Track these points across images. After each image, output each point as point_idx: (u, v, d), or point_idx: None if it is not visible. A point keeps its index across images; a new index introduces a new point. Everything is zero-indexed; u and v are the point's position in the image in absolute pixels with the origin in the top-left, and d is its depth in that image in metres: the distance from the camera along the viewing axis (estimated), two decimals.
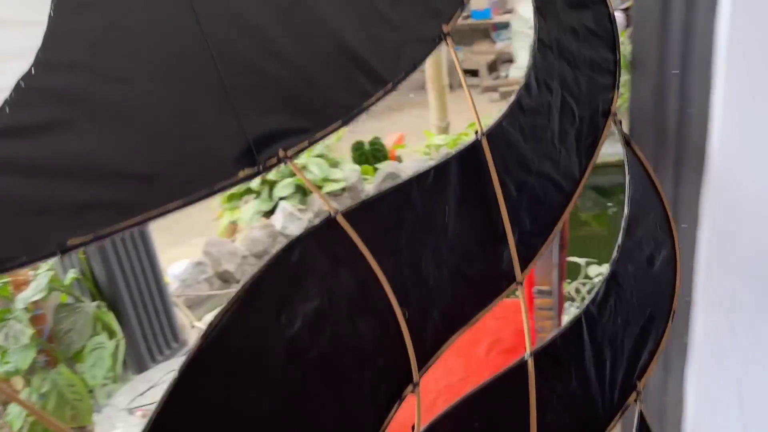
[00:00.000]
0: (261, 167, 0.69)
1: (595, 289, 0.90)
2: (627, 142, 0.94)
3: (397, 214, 0.76)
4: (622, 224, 0.93)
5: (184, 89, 0.67)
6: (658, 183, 0.96)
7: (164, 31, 0.67)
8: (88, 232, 0.61)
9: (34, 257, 0.58)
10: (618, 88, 0.96)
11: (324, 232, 0.71)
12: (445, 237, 0.79)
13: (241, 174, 0.69)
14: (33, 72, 0.59)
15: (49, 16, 0.61)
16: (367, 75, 0.76)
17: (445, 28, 0.82)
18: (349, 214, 0.72)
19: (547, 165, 0.88)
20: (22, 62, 0.60)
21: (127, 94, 0.64)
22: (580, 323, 0.87)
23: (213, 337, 0.63)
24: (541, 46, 0.91)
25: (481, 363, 1.61)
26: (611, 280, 0.91)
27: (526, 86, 0.89)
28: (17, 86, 0.59)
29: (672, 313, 0.96)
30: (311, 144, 0.72)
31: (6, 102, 0.59)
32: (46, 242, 0.59)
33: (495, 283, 0.82)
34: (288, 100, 0.72)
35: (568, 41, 0.94)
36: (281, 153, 0.70)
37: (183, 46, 0.67)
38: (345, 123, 0.74)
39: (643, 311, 0.94)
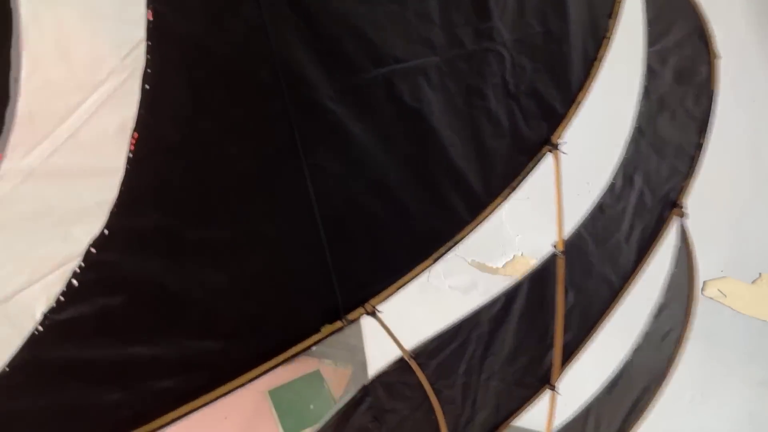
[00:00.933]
0: (345, 321, 0.63)
1: (611, 377, 0.94)
2: (684, 236, 0.92)
3: (463, 345, 0.74)
4: (653, 310, 0.95)
5: (282, 239, 0.57)
6: (697, 275, 0.96)
7: (267, 176, 0.55)
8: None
9: None
10: (692, 176, 0.90)
11: (395, 371, 0.69)
12: (501, 352, 0.78)
13: (324, 330, 0.62)
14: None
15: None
16: (467, 200, 0.67)
17: (554, 138, 0.72)
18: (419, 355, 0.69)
19: (608, 267, 0.85)
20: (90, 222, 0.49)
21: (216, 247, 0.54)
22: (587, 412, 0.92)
23: None
24: (637, 135, 0.83)
25: None
26: (626, 366, 0.95)
27: (612, 185, 0.82)
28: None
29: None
30: (397, 290, 0.65)
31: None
32: None
33: (530, 388, 0.84)
34: (383, 243, 0.63)
35: (663, 125, 0.85)
36: (368, 308, 0.63)
37: (284, 192, 0.56)
38: (436, 260, 0.67)
39: (642, 384, 1.00)
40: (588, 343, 0.87)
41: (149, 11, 0.44)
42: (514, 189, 0.70)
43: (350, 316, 0.63)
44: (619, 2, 0.75)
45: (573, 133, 0.73)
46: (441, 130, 0.63)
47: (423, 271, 0.67)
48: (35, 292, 0.47)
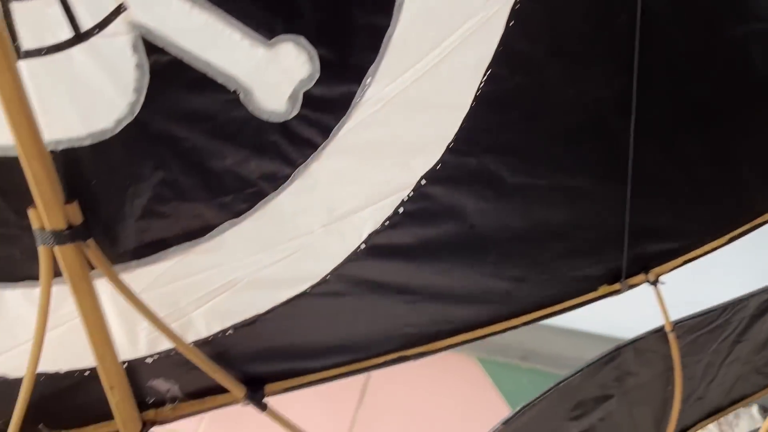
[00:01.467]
0: (624, 286, 0.60)
1: None
2: None
3: (722, 326, 0.69)
4: None
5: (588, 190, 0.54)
6: None
7: (595, 130, 0.51)
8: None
9: None
10: None
11: (651, 340, 0.67)
12: (754, 339, 0.74)
13: (600, 290, 0.61)
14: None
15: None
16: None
17: None
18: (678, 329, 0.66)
19: None
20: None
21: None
22: None
23: None
24: None
25: None
26: None
27: None
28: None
29: None
30: (684, 263, 0.61)
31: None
32: None
33: None
34: (684, 212, 0.59)
35: None
36: (651, 277, 0.60)
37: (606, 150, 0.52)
38: (731, 241, 0.62)
39: None
40: None
41: None
42: None
43: (630, 281, 0.61)
44: None
45: None
46: None
47: (712, 249, 0.62)
48: (366, 214, 0.49)
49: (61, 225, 0.39)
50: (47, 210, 0.38)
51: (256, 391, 0.54)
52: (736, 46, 0.52)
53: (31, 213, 0.39)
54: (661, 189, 0.57)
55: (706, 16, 0.50)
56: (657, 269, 0.61)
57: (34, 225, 0.39)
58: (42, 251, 0.40)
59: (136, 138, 0.41)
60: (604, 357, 0.65)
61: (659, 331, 0.66)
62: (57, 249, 0.40)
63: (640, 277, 0.61)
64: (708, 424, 0.79)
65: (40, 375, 0.47)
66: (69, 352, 0.47)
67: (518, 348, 1.43)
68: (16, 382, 0.46)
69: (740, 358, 0.75)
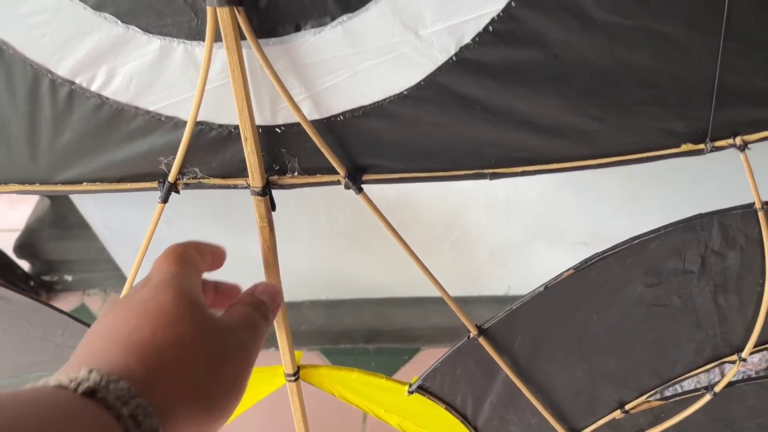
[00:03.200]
0: (709, 146, 0.63)
1: None
2: None
3: None
4: None
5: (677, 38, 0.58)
6: None
7: None
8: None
9: None
10: None
11: (737, 216, 0.68)
12: None
13: (683, 148, 0.63)
14: None
15: None
16: None
17: None
18: None
19: None
20: None
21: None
22: None
23: None
24: None
25: None
26: None
27: None
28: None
29: None
30: None
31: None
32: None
33: None
34: None
35: None
36: (739, 141, 0.62)
37: None
38: None
39: None
40: None
41: None
42: None
43: (717, 144, 0.63)
44: None
45: None
46: None
47: None
48: (459, 28, 0.57)
49: None
50: None
51: (355, 175, 0.66)
52: None
53: None
54: (760, 50, 0.58)
55: None
56: (746, 136, 0.62)
57: None
58: (209, 11, 0.55)
59: None
60: (681, 222, 0.68)
61: (747, 208, 0.66)
62: (218, 10, 0.54)
63: (728, 140, 0.63)
64: None
65: (200, 122, 0.63)
66: (221, 107, 0.63)
67: (362, 330, 1.39)
68: (183, 124, 0.63)
69: None
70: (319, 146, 0.63)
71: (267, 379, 0.82)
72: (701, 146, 0.63)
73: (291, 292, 1.56)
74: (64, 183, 0.67)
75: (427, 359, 1.49)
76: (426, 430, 0.86)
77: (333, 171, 0.65)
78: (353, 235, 1.33)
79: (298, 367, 0.80)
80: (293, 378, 0.80)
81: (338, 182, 0.66)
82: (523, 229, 1.30)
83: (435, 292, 0.74)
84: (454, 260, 1.36)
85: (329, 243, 1.37)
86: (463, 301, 1.33)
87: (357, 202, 0.67)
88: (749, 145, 0.62)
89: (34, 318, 0.76)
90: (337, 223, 1.32)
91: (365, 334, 1.46)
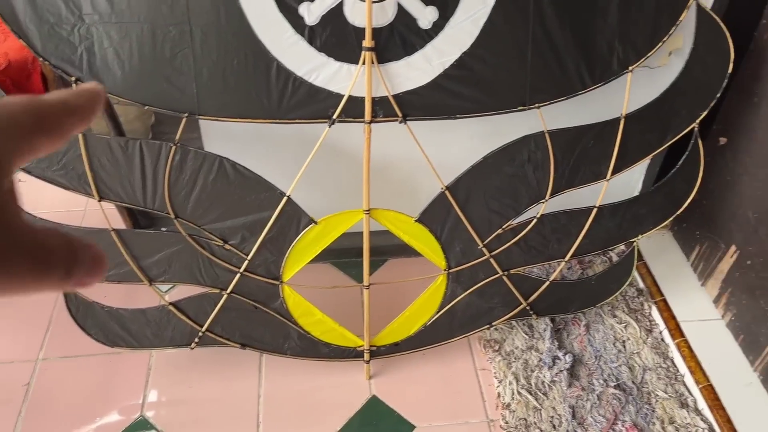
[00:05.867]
0: (527, 107, 1.79)
1: None
2: None
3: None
4: None
5: (513, 67, 1.73)
6: None
7: (512, 39, 1.71)
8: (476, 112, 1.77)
9: None
10: None
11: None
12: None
13: (518, 108, 1.79)
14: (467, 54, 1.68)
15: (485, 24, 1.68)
16: (583, 78, 1.78)
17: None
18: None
19: None
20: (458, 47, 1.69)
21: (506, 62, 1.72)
22: None
23: None
24: None
25: None
26: None
27: None
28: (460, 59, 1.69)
29: None
30: (555, 102, 1.79)
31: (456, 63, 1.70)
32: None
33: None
34: (548, 81, 1.77)
35: None
36: (536, 106, 1.79)
37: (519, 49, 1.72)
38: (567, 98, 1.79)
39: None
40: None
41: None
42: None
43: (530, 106, 1.79)
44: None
45: None
46: None
47: (562, 100, 1.80)
48: (446, 61, 1.70)
49: None
50: None
51: (404, 119, 1.75)
52: None
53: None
54: (539, 71, 1.75)
55: None
56: (540, 104, 1.79)
57: None
58: (364, 53, 1.63)
59: None
60: (521, 137, 1.83)
61: (542, 132, 1.83)
62: (365, 53, 1.63)
63: (533, 106, 1.80)
64: (568, 192, 1.94)
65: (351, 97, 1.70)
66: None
67: (354, 249, 2.44)
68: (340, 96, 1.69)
69: (581, 160, 1.90)
70: (392, 103, 1.71)
71: (349, 216, 1.85)
72: (523, 107, 1.79)
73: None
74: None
75: (393, 265, 2.53)
76: (425, 246, 1.93)
77: (395, 115, 1.74)
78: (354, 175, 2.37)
79: (369, 209, 1.84)
80: (367, 212, 1.83)
81: (399, 121, 1.74)
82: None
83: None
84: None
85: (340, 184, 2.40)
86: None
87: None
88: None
89: None
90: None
91: (356, 252, 2.49)
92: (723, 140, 2.22)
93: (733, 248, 2.19)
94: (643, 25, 1.75)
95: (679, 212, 2.08)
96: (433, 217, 1.90)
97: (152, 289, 1.85)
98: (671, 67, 2.06)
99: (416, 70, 1.69)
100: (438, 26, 1.65)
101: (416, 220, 1.88)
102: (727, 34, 1.83)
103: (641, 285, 2.42)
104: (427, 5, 1.62)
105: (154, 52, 1.56)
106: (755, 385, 2.04)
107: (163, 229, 1.88)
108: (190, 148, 1.67)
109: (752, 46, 2.05)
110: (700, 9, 1.81)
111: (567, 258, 2.05)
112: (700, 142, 1.99)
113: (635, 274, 2.46)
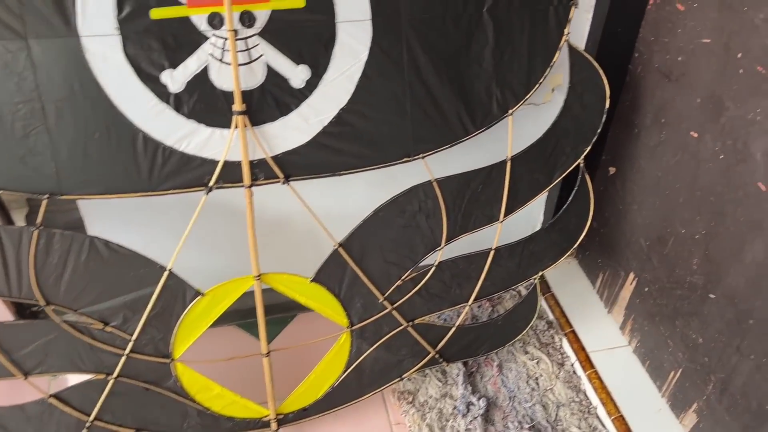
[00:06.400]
0: (412, 158, 1.76)
1: None
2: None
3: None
4: None
5: (395, 121, 1.71)
6: None
7: (389, 92, 1.68)
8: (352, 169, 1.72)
9: None
10: None
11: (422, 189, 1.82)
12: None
13: (404, 159, 1.76)
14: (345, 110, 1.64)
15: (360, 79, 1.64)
16: (464, 124, 1.77)
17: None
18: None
19: None
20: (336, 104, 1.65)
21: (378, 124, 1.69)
22: None
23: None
24: None
25: None
26: None
27: None
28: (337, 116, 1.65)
29: None
30: (440, 150, 1.77)
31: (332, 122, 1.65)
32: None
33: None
34: (430, 131, 1.75)
35: None
36: (422, 156, 1.77)
37: (397, 101, 1.69)
38: (450, 147, 1.78)
39: None
40: None
41: None
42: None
43: (415, 157, 1.77)
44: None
45: None
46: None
47: (446, 148, 1.79)
48: (324, 119, 1.66)
49: None
50: None
51: (287, 180, 1.69)
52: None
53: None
54: (421, 122, 1.74)
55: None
56: (425, 154, 1.77)
57: None
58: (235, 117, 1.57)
59: None
60: (408, 189, 1.80)
61: (427, 182, 1.81)
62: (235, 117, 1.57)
63: (419, 156, 1.77)
64: (463, 237, 1.92)
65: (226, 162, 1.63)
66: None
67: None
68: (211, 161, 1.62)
69: (472, 205, 1.89)
70: (271, 165, 1.65)
71: (238, 284, 1.76)
72: (408, 159, 1.76)
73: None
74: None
75: (302, 320, 2.44)
76: (325, 306, 1.86)
77: (275, 176, 1.67)
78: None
79: (259, 274, 1.76)
80: (258, 278, 1.75)
81: (281, 182, 1.68)
82: None
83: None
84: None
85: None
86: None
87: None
88: (426, 157, 1.77)
89: None
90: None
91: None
92: (612, 170, 2.27)
93: (631, 275, 2.22)
94: (518, 68, 1.77)
95: (574, 246, 2.10)
96: (330, 275, 1.83)
97: (28, 383, 1.70)
98: (557, 102, 2.09)
99: (294, 130, 1.64)
100: (312, 84, 1.61)
101: (312, 281, 1.81)
102: (600, 71, 1.87)
103: (551, 317, 2.43)
104: (298, 64, 1.58)
105: (4, 132, 1.44)
106: (664, 410, 2.06)
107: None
108: (55, 230, 1.55)
109: (628, 78, 2.11)
110: (572, 49, 1.85)
111: (470, 302, 2.02)
112: (587, 177, 2.03)
113: (544, 306, 2.47)
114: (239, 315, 2.37)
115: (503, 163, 1.88)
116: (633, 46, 2.06)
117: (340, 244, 1.79)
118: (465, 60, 1.71)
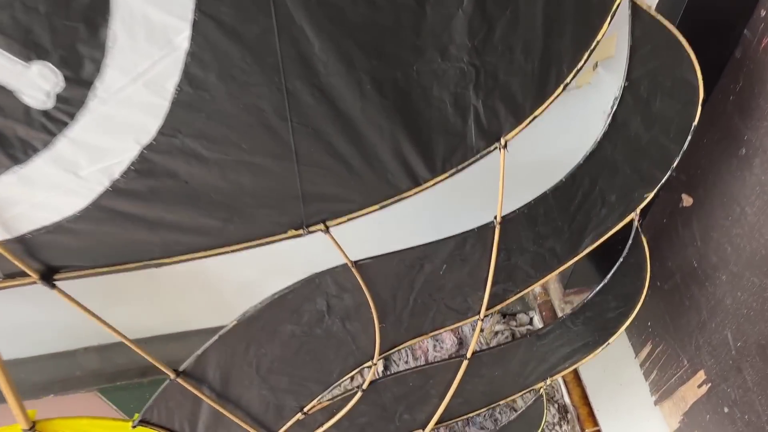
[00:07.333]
0: (305, 231, 0.92)
1: None
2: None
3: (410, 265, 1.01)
4: None
5: (267, 165, 0.86)
6: None
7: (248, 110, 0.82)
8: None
9: None
10: None
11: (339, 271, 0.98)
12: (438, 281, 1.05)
13: (290, 233, 0.92)
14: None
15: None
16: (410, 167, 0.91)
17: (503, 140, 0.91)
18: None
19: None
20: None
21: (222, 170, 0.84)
22: None
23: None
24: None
25: None
26: None
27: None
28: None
29: None
30: (348, 219, 0.93)
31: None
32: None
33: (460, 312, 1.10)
34: (341, 182, 0.90)
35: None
36: (323, 226, 0.92)
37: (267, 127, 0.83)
38: (382, 207, 0.93)
39: None
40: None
41: None
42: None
43: (311, 228, 0.92)
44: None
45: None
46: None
47: (369, 212, 0.93)
48: (108, 168, 0.80)
49: None
50: None
51: (48, 276, 0.86)
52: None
53: None
54: (321, 168, 0.88)
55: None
56: (331, 222, 0.93)
57: None
58: None
59: None
60: (302, 280, 0.97)
61: (344, 265, 0.97)
62: None
63: (319, 226, 0.93)
64: (415, 343, 1.10)
65: None
66: None
67: (135, 368, 1.66)
68: None
69: (430, 295, 1.05)
70: (8, 257, 0.83)
71: None
72: (301, 231, 0.91)
73: (64, 343, 1.69)
74: None
75: None
76: None
77: (27, 275, 0.86)
78: (111, 288, 1.50)
79: (34, 423, 0.98)
80: (30, 430, 0.98)
81: (35, 282, 0.86)
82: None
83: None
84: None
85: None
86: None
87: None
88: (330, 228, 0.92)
89: None
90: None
91: (138, 371, 1.64)
92: (688, 200, 1.38)
93: (701, 374, 1.39)
94: (522, 58, 0.87)
95: (609, 342, 1.25)
96: (171, 415, 1.05)
97: None
98: (600, 87, 1.19)
99: (50, 190, 0.80)
100: (72, 99, 0.76)
101: (136, 425, 1.04)
102: (690, 50, 0.96)
103: (566, 400, 1.62)
104: (29, 60, 0.72)
105: None
106: None
107: None
108: None
109: (730, 65, 1.17)
110: (637, 10, 0.93)
111: (428, 429, 1.23)
112: (644, 240, 1.15)
113: (559, 383, 1.66)
114: (105, 377, 1.64)
115: (488, 227, 1.01)
116: (740, 17, 1.11)
117: (180, 373, 0.99)
118: (411, 42, 0.82)
